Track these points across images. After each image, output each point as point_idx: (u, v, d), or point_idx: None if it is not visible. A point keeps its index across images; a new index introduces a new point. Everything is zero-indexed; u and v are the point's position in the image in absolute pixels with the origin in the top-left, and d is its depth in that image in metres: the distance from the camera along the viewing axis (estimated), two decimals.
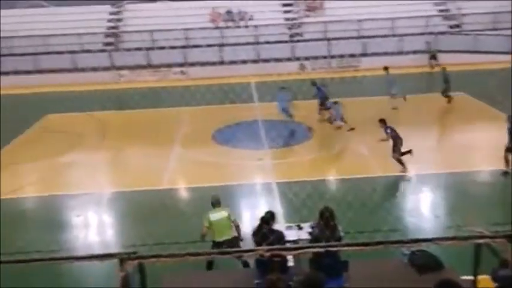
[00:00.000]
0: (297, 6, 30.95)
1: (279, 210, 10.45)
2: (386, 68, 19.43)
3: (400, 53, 27.03)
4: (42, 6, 30.36)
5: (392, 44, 27.24)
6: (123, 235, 10.73)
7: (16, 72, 26.69)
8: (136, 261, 5.79)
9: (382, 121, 13.15)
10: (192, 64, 27.46)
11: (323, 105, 17.84)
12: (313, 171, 13.40)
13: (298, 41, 28.78)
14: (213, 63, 27.25)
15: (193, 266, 7.70)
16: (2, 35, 27.68)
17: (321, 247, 6.47)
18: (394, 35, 27.94)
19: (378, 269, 7.25)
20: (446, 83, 19.22)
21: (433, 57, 26.58)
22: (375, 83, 21.69)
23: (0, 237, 9.52)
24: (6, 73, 26.71)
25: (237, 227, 8.57)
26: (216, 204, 8.65)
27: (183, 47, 28.09)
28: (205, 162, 14.59)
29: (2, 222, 11.29)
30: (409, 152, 13.02)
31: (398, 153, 12.94)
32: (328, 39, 28.18)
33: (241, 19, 29.99)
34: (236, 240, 8.39)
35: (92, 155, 16.07)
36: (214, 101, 20.90)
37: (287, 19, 30.53)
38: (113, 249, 7.67)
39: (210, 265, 8.42)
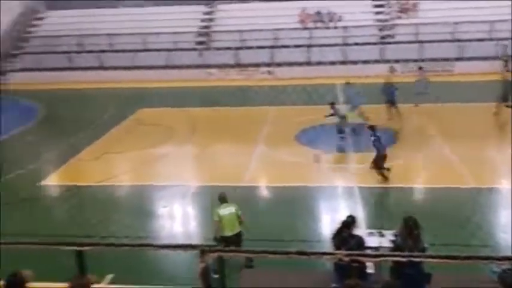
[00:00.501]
0: (389, 7, 30.11)
1: (360, 216, 10.23)
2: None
3: (497, 57, 25.36)
4: (142, 6, 32.03)
5: (489, 49, 25.65)
6: (205, 228, 11.06)
7: (116, 68, 28.45)
8: (216, 254, 5.97)
9: (371, 127, 12.90)
10: (279, 64, 27.65)
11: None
12: (398, 177, 12.97)
13: (388, 43, 27.99)
14: (300, 64, 27.26)
15: (270, 264, 7.77)
16: (105, 33, 29.67)
17: (403, 256, 6.27)
18: (491, 39, 26.27)
19: (463, 284, 6.89)
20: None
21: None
22: (470, 89, 20.61)
23: (87, 221, 10.20)
24: (107, 68, 28.61)
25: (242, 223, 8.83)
26: (223, 200, 8.94)
27: (271, 47, 28.36)
28: (287, 162, 14.63)
29: (96, 207, 12.16)
30: (387, 169, 12.59)
31: (377, 164, 12.56)
32: (421, 42, 27.13)
33: (331, 20, 29.71)
34: (241, 235, 8.68)
35: (181, 148, 16.72)
36: (299, 102, 20.93)
37: (378, 20, 29.79)
38: (194, 241, 7.93)
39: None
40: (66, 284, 5.01)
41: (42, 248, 6.42)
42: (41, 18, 32.98)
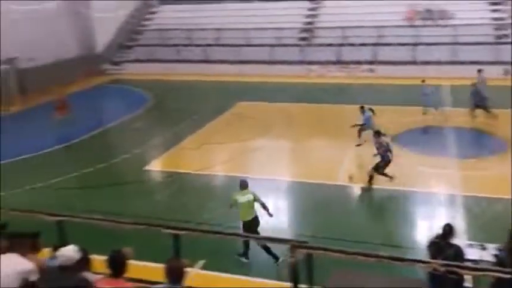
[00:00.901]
0: (506, 5, 27.92)
1: (460, 226, 9.65)
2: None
3: None
4: (248, 1, 32.70)
5: None
6: (295, 224, 11.09)
7: (221, 62, 29.38)
8: (305, 251, 5.95)
9: (377, 133, 12.64)
10: (382, 62, 26.82)
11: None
12: (508, 188, 12.03)
13: (503, 43, 25.97)
14: (404, 63, 26.19)
15: (359, 266, 7.59)
16: (212, 27, 30.75)
17: (507, 273, 5.82)
18: None
19: None
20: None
21: None
22: None
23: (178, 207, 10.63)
24: (212, 62, 29.64)
25: (263, 205, 9.38)
26: (243, 187, 9.41)
27: (374, 44, 27.59)
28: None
29: (193, 194, 12.68)
30: (391, 177, 12.27)
31: (378, 170, 12.24)
32: None
33: (441, 18, 28.22)
34: (257, 219, 9.24)
35: (276, 143, 16.90)
36: (401, 101, 20.16)
37: (494, 19, 27.75)
38: (284, 236, 7.98)
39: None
40: (161, 265, 5.26)
41: (142, 229, 6.85)
42: (154, 12, 34.96)
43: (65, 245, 6.03)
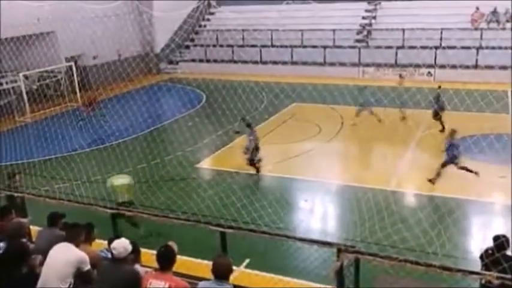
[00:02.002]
0: None
1: None
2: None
3: None
4: (304, 2, 32.58)
5: None
6: (343, 228, 10.95)
7: (275, 63, 29.47)
8: (353, 255, 5.87)
9: (453, 132, 12.81)
10: (442, 66, 25.97)
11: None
12: None
13: None
14: (466, 67, 25.26)
15: (407, 274, 7.40)
16: (268, 28, 30.90)
17: None
18: None
19: None
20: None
21: None
22: None
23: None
24: (267, 62, 29.78)
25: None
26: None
27: (435, 47, 26.76)
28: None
29: (241, 193, 12.75)
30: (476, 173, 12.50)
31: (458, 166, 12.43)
32: None
33: (508, 20, 26.97)
34: (131, 203, 10.26)
35: (328, 145, 16.75)
36: (460, 107, 19.40)
37: None
38: (331, 239, 7.89)
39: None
40: (207, 262, 5.34)
41: (190, 225, 6.99)
42: (212, 13, 35.54)
43: (118, 237, 6.25)
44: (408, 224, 10.78)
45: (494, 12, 27.37)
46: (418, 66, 26.52)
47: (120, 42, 27.92)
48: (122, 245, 5.57)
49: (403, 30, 27.88)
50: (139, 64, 29.13)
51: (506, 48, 25.24)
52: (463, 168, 12.59)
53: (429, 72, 26.41)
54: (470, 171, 12.59)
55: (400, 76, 21.45)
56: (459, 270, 6.19)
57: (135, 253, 6.02)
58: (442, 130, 16.88)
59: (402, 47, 27.59)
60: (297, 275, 8.77)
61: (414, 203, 12.42)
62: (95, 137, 17.67)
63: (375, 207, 11.55)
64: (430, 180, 12.74)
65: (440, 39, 27.02)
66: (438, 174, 12.66)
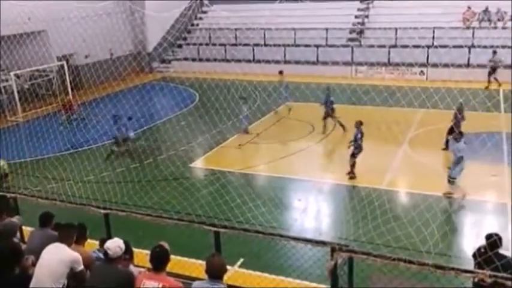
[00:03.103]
0: None
1: (509, 236, 9.26)
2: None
3: None
4: (297, 1, 32.57)
5: None
6: (336, 227, 10.97)
7: (267, 61, 29.40)
8: (346, 254, 5.88)
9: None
10: (434, 65, 26.07)
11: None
12: None
13: None
14: (459, 66, 25.34)
15: (400, 273, 7.42)
16: (260, 27, 30.86)
17: None
18: None
19: None
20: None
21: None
22: None
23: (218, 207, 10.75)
24: (259, 61, 29.69)
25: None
26: None
27: (427, 46, 26.86)
28: (431, 168, 13.82)
29: (234, 193, 12.74)
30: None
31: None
32: None
33: (499, 19, 27.14)
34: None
35: (320, 144, 16.77)
36: (453, 106, 19.49)
37: None
38: (325, 238, 7.90)
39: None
40: (199, 261, 5.33)
41: (184, 225, 6.97)
42: (205, 12, 35.46)
43: (110, 237, 6.21)
44: (401, 222, 10.83)
45: (486, 11, 27.53)
46: (410, 65, 26.62)
47: (112, 41, 27.78)
48: (116, 244, 5.54)
49: (396, 29, 27.96)
50: (131, 63, 29.00)
51: (497, 47, 25.42)
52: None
53: (421, 71, 26.51)
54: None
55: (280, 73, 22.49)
56: (452, 269, 6.21)
57: (129, 253, 6.00)
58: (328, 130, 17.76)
59: (395, 46, 27.68)
60: (291, 274, 8.77)
61: (407, 201, 12.47)
62: (87, 136, 17.60)
63: (368, 206, 11.60)
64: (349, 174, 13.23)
65: (433, 38, 27.12)
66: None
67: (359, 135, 13.42)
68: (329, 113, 17.97)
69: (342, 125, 17.68)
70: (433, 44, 26.99)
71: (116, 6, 28.35)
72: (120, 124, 16.40)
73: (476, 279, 6.10)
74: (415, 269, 5.81)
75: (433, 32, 27.09)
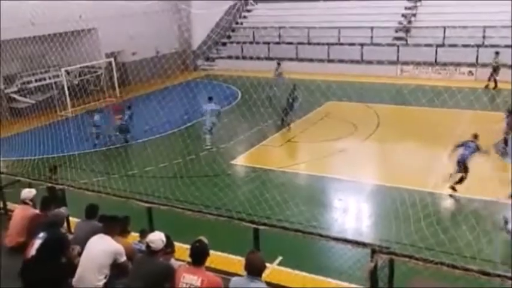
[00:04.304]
0: None
1: None
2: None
3: None
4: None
5: None
6: (378, 228, 10.80)
7: (311, 60, 29.26)
8: (387, 256, 5.79)
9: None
10: (484, 65, 25.17)
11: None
12: None
13: None
14: (510, 66, 24.41)
15: (443, 278, 7.24)
16: (304, 26, 30.74)
17: None
18: None
19: None
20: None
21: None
22: None
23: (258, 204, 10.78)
24: (303, 60, 29.62)
25: None
26: None
27: (477, 45, 25.98)
28: (478, 172, 13.37)
29: (275, 191, 12.75)
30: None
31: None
32: None
33: None
34: None
35: (363, 144, 16.54)
36: (503, 107, 18.78)
37: None
38: (365, 240, 7.80)
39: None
40: (239, 258, 5.37)
41: (224, 221, 7.04)
42: (249, 11, 35.59)
43: (152, 230, 6.35)
44: (445, 226, 10.55)
45: None
46: (458, 64, 25.85)
47: (158, 38, 28.39)
48: (159, 237, 5.66)
49: (444, 27, 27.18)
50: (176, 61, 29.49)
51: None
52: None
53: (470, 71, 25.69)
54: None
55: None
56: (498, 275, 6.03)
57: (170, 247, 6.11)
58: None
59: (442, 45, 26.92)
60: (329, 274, 8.71)
61: (452, 205, 12.13)
62: (133, 132, 18.03)
63: (411, 208, 11.35)
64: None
65: (483, 37, 26.22)
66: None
67: (472, 150, 12.41)
68: (287, 110, 18.20)
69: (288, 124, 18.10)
70: (483, 43, 26.11)
71: (163, 5, 28.88)
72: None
73: None
74: (458, 274, 5.66)
75: (484, 31, 26.16)
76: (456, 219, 11.39)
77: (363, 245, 6.11)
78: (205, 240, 5.53)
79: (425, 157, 14.77)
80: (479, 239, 9.69)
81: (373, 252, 5.75)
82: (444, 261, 5.61)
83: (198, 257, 5.32)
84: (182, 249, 6.40)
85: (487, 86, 23.41)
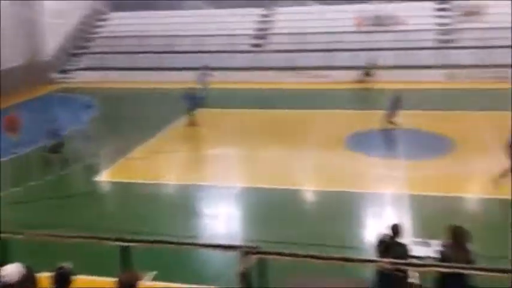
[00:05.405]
0: (452, 11, 29.12)
1: (407, 224, 9.90)
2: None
3: None
4: (200, 8, 32.63)
5: None
6: (246, 230, 11.05)
7: (172, 69, 29.06)
8: (257, 256, 5.95)
9: None
10: (335, 68, 27.23)
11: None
12: (449, 187, 12.50)
13: (448, 47, 27.08)
14: (357, 68, 26.71)
15: (312, 270, 7.65)
16: (164, 34, 30.52)
17: (449, 268, 6.03)
18: None
19: None
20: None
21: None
22: None
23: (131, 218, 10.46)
24: (164, 69, 29.30)
25: None
26: None
27: (327, 50, 28.11)
28: (334, 166, 14.45)
29: (143, 204, 12.40)
30: None
31: None
32: (484, 48, 25.98)
33: (390, 24, 29.13)
34: None
35: (230, 149, 16.84)
36: (353, 106, 20.57)
37: (439, 24, 28.89)
38: (236, 243, 7.95)
39: None
40: (110, 279, 5.12)
41: (91, 242, 6.66)
42: (104, 20, 34.31)
43: (6, 263, 5.76)
44: (306, 220, 11.16)
45: (377, 16, 29.40)
46: (313, 68, 27.61)
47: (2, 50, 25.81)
48: (11, 270, 5.14)
49: (296, 34, 28.84)
50: (26, 74, 27.20)
51: (388, 49, 27.16)
52: None
53: (323, 75, 27.65)
54: None
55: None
56: (357, 260, 6.58)
57: (29, 278, 5.60)
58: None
59: (295, 51, 28.50)
60: (205, 281, 8.69)
61: (310, 199, 12.88)
62: None
63: (274, 206, 11.85)
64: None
65: (330, 42, 28.42)
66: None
67: None
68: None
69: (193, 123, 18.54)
70: (331, 48, 28.25)
71: (8, 12, 26.45)
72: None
73: (379, 268, 6.49)
74: (326, 264, 6.03)
75: (330, 36, 28.44)
76: (315, 212, 12.10)
77: (233, 248, 6.23)
78: (69, 265, 5.18)
79: (287, 156, 15.50)
80: (339, 229, 10.46)
81: (243, 254, 5.87)
82: (310, 253, 5.92)
83: (61, 284, 4.97)
84: (44, 278, 5.91)
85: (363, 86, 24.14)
